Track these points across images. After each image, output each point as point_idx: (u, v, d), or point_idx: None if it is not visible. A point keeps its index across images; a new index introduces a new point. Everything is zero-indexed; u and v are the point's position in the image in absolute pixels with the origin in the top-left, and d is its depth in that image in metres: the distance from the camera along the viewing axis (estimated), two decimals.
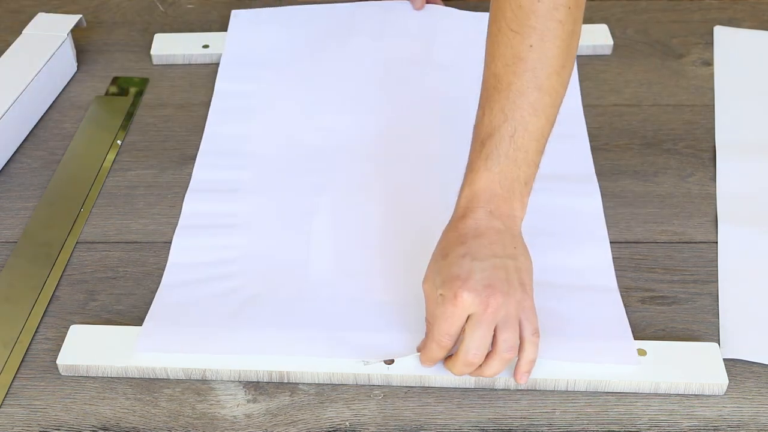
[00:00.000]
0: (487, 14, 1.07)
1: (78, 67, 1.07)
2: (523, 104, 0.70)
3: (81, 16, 1.07)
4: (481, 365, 0.68)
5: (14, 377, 0.72)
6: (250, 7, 1.12)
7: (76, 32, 1.06)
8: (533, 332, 0.67)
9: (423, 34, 1.07)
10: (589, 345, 0.72)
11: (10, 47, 1.02)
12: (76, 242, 0.84)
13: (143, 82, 1.04)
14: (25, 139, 0.97)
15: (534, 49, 0.70)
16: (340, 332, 0.73)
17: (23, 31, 1.04)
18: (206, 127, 0.96)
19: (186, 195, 0.88)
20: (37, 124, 0.99)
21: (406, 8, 1.09)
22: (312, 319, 0.74)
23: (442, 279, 0.67)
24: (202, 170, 0.91)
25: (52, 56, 1.01)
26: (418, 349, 0.71)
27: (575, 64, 1.02)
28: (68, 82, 1.05)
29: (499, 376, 0.70)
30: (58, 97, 1.03)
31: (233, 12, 1.11)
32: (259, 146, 0.93)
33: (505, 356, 0.67)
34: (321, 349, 0.72)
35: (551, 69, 0.70)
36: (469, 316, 0.66)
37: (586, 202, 0.86)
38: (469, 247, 0.67)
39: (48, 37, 1.03)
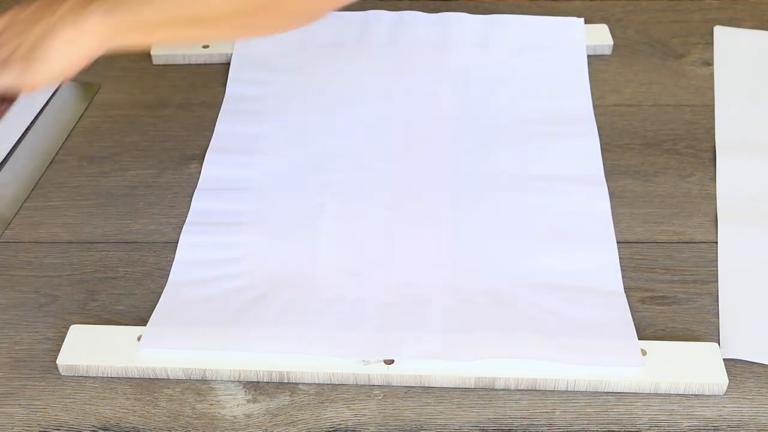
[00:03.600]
0: (499, 16, 1.08)
1: None
2: None
3: None
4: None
5: (14, 377, 0.72)
6: None
7: None
8: (19, 70, 0.74)
9: (435, 40, 1.07)
10: (592, 347, 0.71)
11: None
12: (76, 242, 0.84)
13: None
14: None
15: None
16: (341, 332, 0.73)
17: None
18: (216, 125, 0.96)
19: (195, 192, 0.88)
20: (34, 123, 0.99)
21: (417, 16, 1.10)
22: (316, 319, 0.74)
23: None
24: (211, 168, 0.91)
25: None
26: None
27: (586, 64, 1.03)
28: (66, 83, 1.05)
29: (499, 375, 0.70)
30: (56, 96, 1.03)
31: None
32: (269, 146, 0.94)
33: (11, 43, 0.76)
34: (321, 348, 0.72)
35: None
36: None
37: (595, 203, 0.86)
38: None
39: None
